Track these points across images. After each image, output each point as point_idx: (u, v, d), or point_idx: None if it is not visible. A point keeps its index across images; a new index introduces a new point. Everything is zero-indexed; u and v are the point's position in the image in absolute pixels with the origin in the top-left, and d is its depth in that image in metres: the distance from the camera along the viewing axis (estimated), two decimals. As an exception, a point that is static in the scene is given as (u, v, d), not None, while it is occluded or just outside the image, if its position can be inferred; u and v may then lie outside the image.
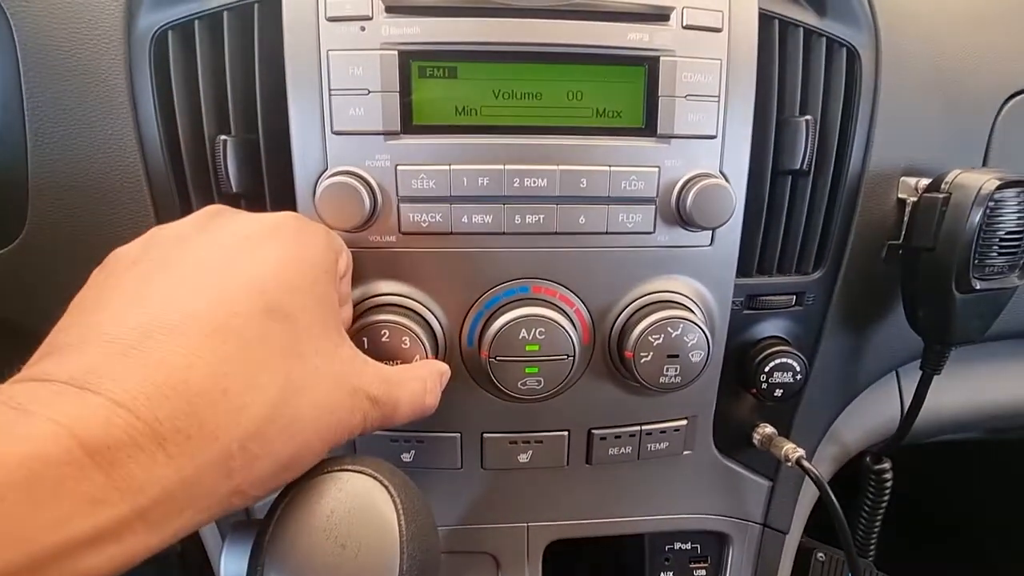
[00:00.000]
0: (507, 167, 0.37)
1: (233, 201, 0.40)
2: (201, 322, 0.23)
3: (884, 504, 0.58)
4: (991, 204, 0.41)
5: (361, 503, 0.26)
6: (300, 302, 0.26)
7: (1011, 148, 0.48)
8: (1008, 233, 0.42)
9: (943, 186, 0.42)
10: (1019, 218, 0.42)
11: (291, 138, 0.37)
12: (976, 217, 0.40)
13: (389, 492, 0.26)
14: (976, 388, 0.59)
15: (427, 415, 0.34)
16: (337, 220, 0.36)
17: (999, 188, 0.40)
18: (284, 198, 0.39)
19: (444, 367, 0.37)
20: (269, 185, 0.39)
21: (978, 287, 0.42)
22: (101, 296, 0.25)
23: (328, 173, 0.37)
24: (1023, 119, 0.48)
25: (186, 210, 0.40)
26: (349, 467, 0.27)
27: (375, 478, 0.27)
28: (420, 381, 0.33)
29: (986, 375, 0.58)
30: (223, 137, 0.38)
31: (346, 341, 0.30)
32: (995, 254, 0.42)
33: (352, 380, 0.28)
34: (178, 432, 0.20)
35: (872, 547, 0.61)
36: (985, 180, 0.40)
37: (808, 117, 0.42)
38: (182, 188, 0.40)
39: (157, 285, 0.25)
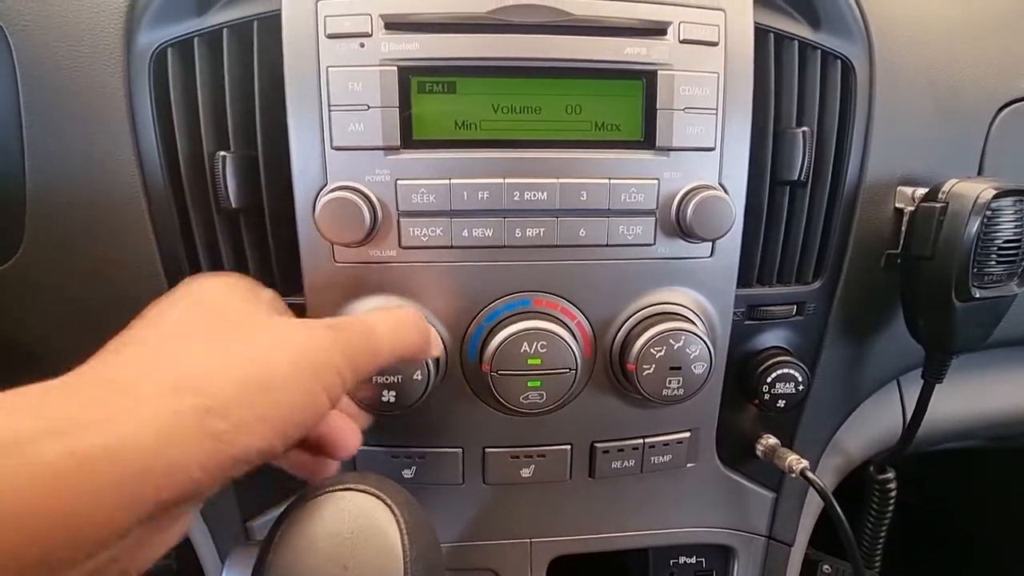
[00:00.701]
0: (507, 181, 0.37)
1: (232, 216, 0.40)
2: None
3: (889, 514, 0.58)
4: (988, 213, 0.41)
5: (364, 523, 0.25)
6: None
7: (1006, 156, 0.48)
8: (1006, 242, 0.42)
9: (940, 195, 0.42)
10: (1016, 227, 0.42)
11: (291, 154, 0.37)
12: (974, 226, 0.40)
13: (392, 511, 0.26)
14: (978, 396, 0.58)
15: (418, 351, 0.33)
16: (337, 235, 0.36)
17: (996, 197, 0.40)
18: (283, 213, 0.39)
19: (410, 310, 0.35)
20: (268, 201, 0.39)
21: (977, 295, 0.42)
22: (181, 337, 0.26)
23: (328, 188, 0.36)
24: (1017, 128, 0.49)
25: (184, 226, 0.40)
26: (352, 485, 0.27)
27: (378, 497, 0.26)
28: (386, 318, 0.32)
29: (988, 383, 0.58)
30: (222, 153, 0.38)
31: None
32: (993, 262, 0.42)
33: (309, 327, 0.27)
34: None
35: (878, 558, 0.60)
36: (982, 189, 0.41)
37: (805, 128, 0.42)
38: (180, 204, 0.40)
39: (214, 344, 0.25)
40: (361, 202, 0.36)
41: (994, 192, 0.40)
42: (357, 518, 0.25)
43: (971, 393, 0.58)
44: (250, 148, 0.39)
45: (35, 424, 0.19)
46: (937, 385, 0.49)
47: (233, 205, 0.39)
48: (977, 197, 0.40)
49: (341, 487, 0.27)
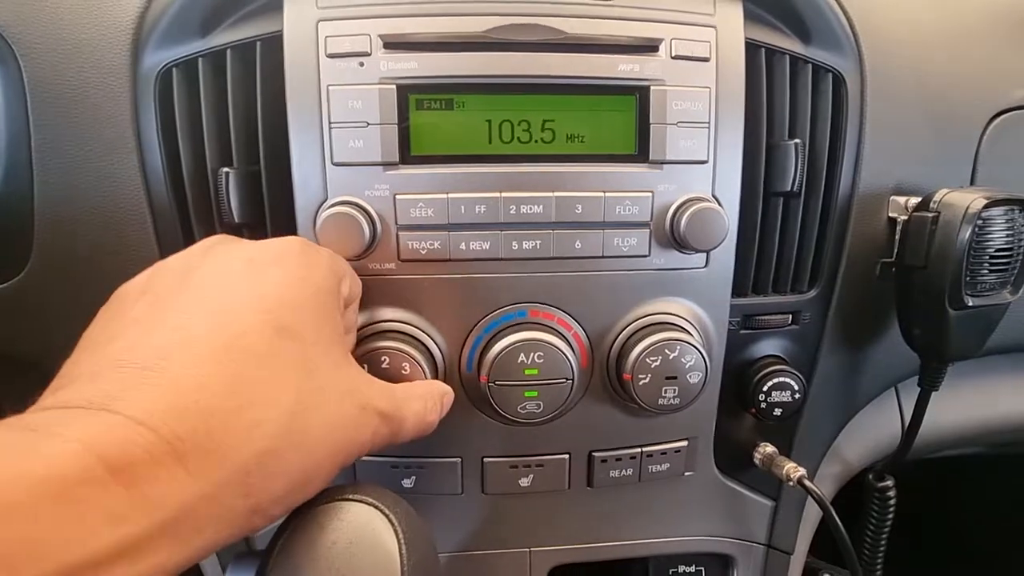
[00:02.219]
0: (504, 195, 0.38)
1: (235, 232, 0.41)
2: (212, 342, 0.24)
3: (889, 522, 0.58)
4: (979, 222, 0.41)
5: (362, 534, 0.26)
6: (306, 321, 0.27)
7: (998, 166, 0.49)
8: (998, 250, 0.42)
9: (932, 205, 0.43)
10: (1008, 235, 0.42)
11: (292, 170, 0.38)
12: (965, 235, 0.41)
13: (391, 521, 0.26)
14: (976, 403, 0.59)
15: (428, 432, 0.34)
16: (338, 249, 0.37)
17: (986, 206, 0.41)
18: (285, 228, 0.39)
19: (446, 388, 0.37)
20: (271, 215, 0.40)
21: (971, 304, 0.42)
22: (110, 328, 0.26)
23: (328, 203, 0.37)
24: (1008, 137, 0.49)
25: (189, 241, 0.41)
26: (351, 496, 0.27)
27: (377, 507, 0.27)
28: (422, 400, 0.34)
29: (986, 389, 0.59)
30: (225, 170, 0.39)
31: (351, 360, 0.31)
32: (986, 271, 0.42)
33: (360, 396, 0.28)
34: (197, 448, 0.21)
35: (879, 566, 0.60)
36: (972, 199, 0.41)
37: (797, 141, 0.43)
38: (185, 220, 0.41)
39: (166, 312, 0.26)
40: (361, 216, 0.36)
41: (985, 201, 0.41)
42: (356, 528, 0.26)
43: (969, 400, 0.58)
44: (252, 164, 0.40)
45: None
46: (934, 393, 0.49)
47: (236, 220, 0.40)
48: (968, 207, 0.41)
49: (340, 498, 0.27)
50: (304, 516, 0.26)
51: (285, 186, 0.39)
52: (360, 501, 0.27)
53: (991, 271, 0.43)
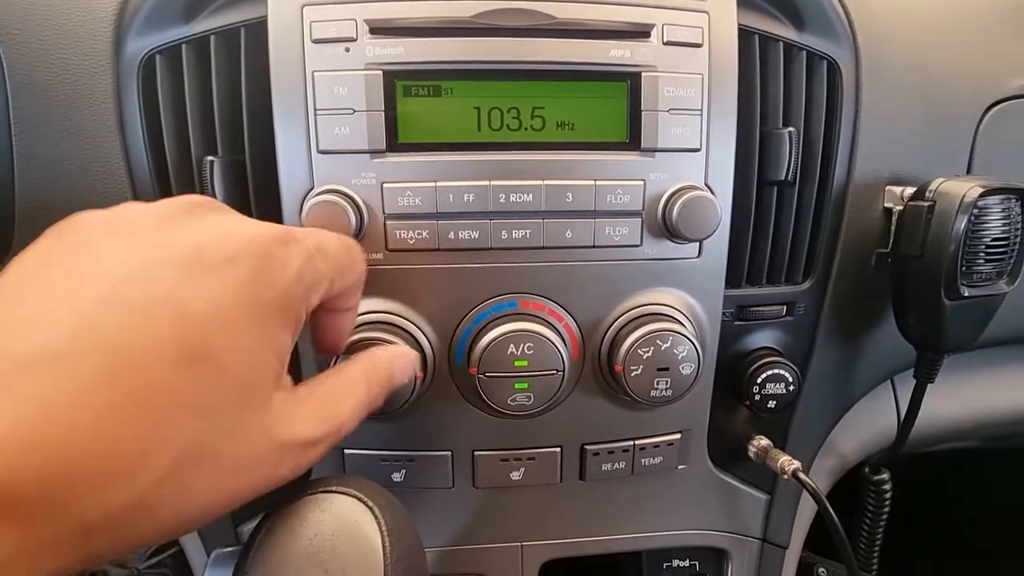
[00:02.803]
0: (493, 183, 0.37)
1: (220, 221, 0.40)
2: (102, 355, 0.19)
3: (885, 516, 0.57)
4: (975, 211, 0.41)
5: (345, 526, 0.25)
6: (234, 348, 0.22)
7: (994, 155, 0.48)
8: (994, 240, 0.42)
9: (927, 194, 0.42)
10: (1004, 225, 0.42)
11: (277, 158, 0.37)
12: (961, 224, 0.40)
13: (374, 513, 0.26)
14: (972, 396, 0.58)
15: (396, 390, 0.32)
16: (323, 239, 0.36)
17: (982, 195, 0.40)
18: (271, 217, 0.39)
19: (397, 351, 0.33)
20: (256, 204, 0.40)
21: (967, 294, 0.42)
22: (18, 277, 0.21)
23: (314, 192, 0.37)
24: (1005, 126, 0.49)
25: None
26: (334, 488, 0.26)
27: (360, 499, 0.26)
28: (357, 382, 0.29)
29: (982, 382, 0.58)
30: (210, 158, 0.39)
31: (280, 386, 0.25)
32: (982, 260, 0.42)
33: (280, 433, 0.23)
34: (33, 496, 0.17)
35: (875, 560, 0.59)
36: (968, 188, 0.41)
37: (791, 129, 0.42)
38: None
39: (78, 281, 0.21)
40: (347, 205, 0.36)
41: (981, 190, 0.40)
42: (338, 521, 0.25)
43: (966, 393, 0.58)
44: (237, 153, 0.39)
45: None
46: (931, 385, 0.49)
47: (221, 210, 0.39)
48: (964, 196, 0.40)
49: (323, 489, 0.26)
50: (285, 508, 0.26)
51: (271, 175, 0.38)
52: (343, 493, 0.26)
53: (987, 261, 0.42)
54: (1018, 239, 0.43)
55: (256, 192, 0.39)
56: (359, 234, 0.37)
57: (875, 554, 0.59)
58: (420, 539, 0.29)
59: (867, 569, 0.59)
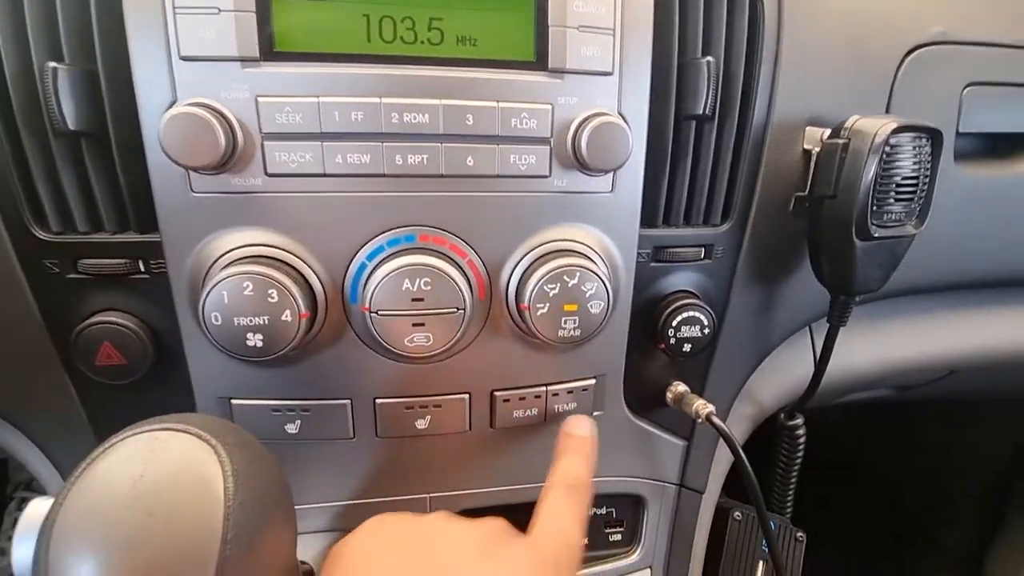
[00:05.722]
0: (384, 100, 0.34)
1: (72, 140, 0.35)
2: None
3: (798, 461, 0.59)
4: (887, 149, 0.40)
5: (177, 465, 0.22)
6: None
7: (912, 100, 0.48)
8: (904, 179, 0.42)
9: (843, 132, 0.42)
10: (915, 164, 0.42)
11: (131, 65, 0.32)
12: (873, 163, 0.40)
13: (217, 452, 0.23)
14: (883, 344, 0.60)
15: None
16: (187, 157, 0.32)
17: (895, 132, 0.40)
18: (132, 137, 0.34)
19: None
20: (113, 122, 0.34)
21: (877, 235, 0.42)
22: None
23: (177, 106, 0.32)
24: (923, 72, 0.49)
25: (17, 153, 0.35)
26: (169, 426, 0.23)
27: (200, 438, 0.23)
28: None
29: (891, 331, 0.60)
30: (53, 65, 0.33)
31: None
32: (892, 200, 0.42)
33: None
34: None
35: (789, 504, 0.61)
36: (882, 125, 0.40)
37: (710, 59, 0.40)
38: (10, 127, 0.34)
39: None
40: (214, 120, 0.31)
41: (895, 125, 0.40)
42: (170, 461, 0.22)
43: (877, 341, 0.59)
44: (89, 62, 0.34)
45: None
46: (844, 334, 0.49)
47: (71, 127, 0.34)
48: (876, 132, 0.40)
49: (157, 427, 0.23)
50: (108, 448, 0.22)
51: (129, 86, 0.33)
52: (179, 430, 0.23)
53: (897, 200, 0.42)
54: (927, 180, 0.43)
55: (112, 108, 0.34)
56: (231, 156, 0.33)
57: (789, 498, 0.61)
58: (285, 485, 0.26)
59: (781, 512, 0.61)
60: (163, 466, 0.22)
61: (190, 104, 0.32)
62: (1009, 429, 0.93)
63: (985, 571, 0.93)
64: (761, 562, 0.57)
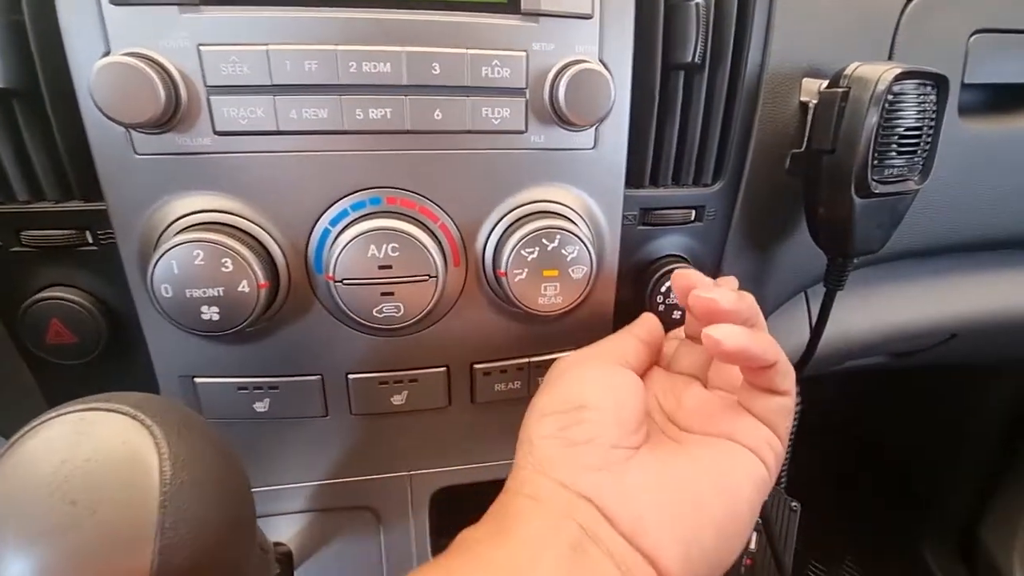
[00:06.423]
0: (340, 48, 0.31)
1: (3, 100, 0.32)
2: None
3: (793, 430, 0.58)
4: (890, 97, 0.37)
5: (105, 448, 0.20)
6: None
7: (915, 49, 0.45)
8: (907, 130, 0.39)
9: (842, 81, 0.39)
10: (918, 114, 0.39)
11: (56, 10, 0.29)
12: (875, 112, 0.37)
13: (152, 433, 0.21)
14: (881, 310, 0.58)
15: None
16: (123, 113, 0.29)
17: (898, 78, 0.37)
18: (67, 95, 0.31)
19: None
20: (45, 78, 0.31)
21: (877, 191, 0.39)
22: None
23: (109, 56, 0.29)
24: (927, 19, 0.45)
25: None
26: (98, 406, 0.21)
27: (134, 418, 0.21)
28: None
29: (889, 296, 0.58)
30: (-29, 14, 0.30)
31: None
32: (894, 153, 0.39)
33: None
34: None
35: (784, 474, 0.60)
36: (884, 71, 0.37)
37: (699, 1, 0.37)
38: (-68, 85, 0.31)
39: None
40: (151, 71, 0.28)
41: (898, 71, 0.37)
42: (99, 442, 0.20)
43: (874, 307, 0.57)
44: (14, 12, 0.31)
45: None
46: (841, 300, 0.47)
47: (0, 85, 0.31)
48: (879, 78, 0.37)
49: (84, 407, 0.21)
50: (30, 432, 0.20)
51: (60, 37, 0.30)
52: (110, 410, 0.21)
53: (899, 154, 0.39)
54: (931, 132, 0.40)
55: (44, 63, 0.31)
56: (175, 113, 0.30)
57: (783, 467, 0.60)
58: (238, 467, 0.24)
59: (776, 483, 0.60)
60: (90, 449, 0.20)
61: (125, 54, 0.29)
62: (1008, 401, 0.92)
63: (978, 538, 0.93)
64: (755, 533, 0.56)
